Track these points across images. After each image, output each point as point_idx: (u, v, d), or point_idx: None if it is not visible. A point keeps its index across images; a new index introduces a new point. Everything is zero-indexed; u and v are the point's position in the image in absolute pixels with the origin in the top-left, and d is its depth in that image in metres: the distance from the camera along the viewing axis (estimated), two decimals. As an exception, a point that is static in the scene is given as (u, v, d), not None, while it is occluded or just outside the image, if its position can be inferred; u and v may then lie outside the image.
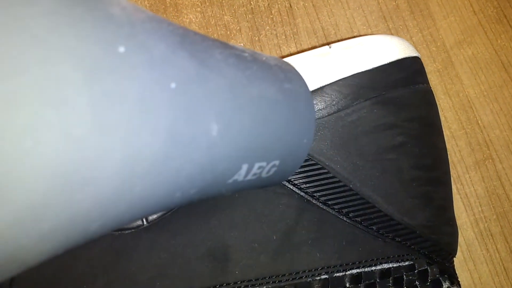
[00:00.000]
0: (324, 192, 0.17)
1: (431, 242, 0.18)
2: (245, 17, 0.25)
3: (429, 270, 0.18)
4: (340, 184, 0.17)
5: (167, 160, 0.09)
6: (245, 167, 0.12)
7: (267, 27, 0.25)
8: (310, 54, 0.19)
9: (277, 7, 0.26)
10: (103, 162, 0.07)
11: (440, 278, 0.18)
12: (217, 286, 0.16)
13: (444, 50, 0.25)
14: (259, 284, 0.16)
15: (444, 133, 0.20)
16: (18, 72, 0.06)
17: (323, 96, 0.18)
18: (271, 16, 0.25)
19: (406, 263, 0.18)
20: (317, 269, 0.17)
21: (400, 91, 0.18)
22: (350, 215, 0.17)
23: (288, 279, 0.17)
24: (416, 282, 0.17)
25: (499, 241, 0.23)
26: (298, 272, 0.17)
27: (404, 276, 0.17)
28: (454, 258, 0.19)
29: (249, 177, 0.12)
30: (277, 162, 0.13)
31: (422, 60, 0.20)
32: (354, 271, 0.17)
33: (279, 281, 0.16)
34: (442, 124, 0.20)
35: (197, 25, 0.25)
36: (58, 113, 0.06)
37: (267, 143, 0.12)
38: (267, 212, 0.17)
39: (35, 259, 0.07)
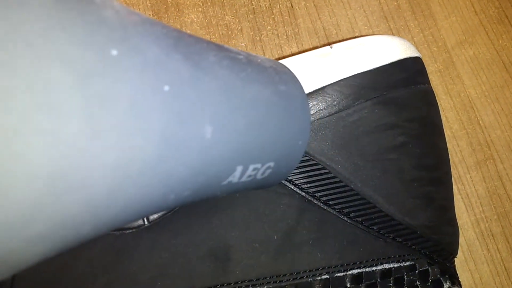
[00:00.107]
0: (325, 192, 0.17)
1: (432, 242, 0.18)
2: (246, 17, 0.25)
3: (430, 270, 0.18)
4: (341, 184, 0.17)
5: (160, 162, 0.09)
6: (239, 169, 0.12)
7: (269, 27, 0.25)
8: (312, 54, 0.19)
9: (278, 7, 0.26)
10: (94, 165, 0.07)
11: (441, 278, 0.18)
12: (218, 286, 0.16)
13: (446, 50, 0.25)
14: (260, 284, 0.16)
15: (445, 133, 0.20)
16: (9, 77, 0.06)
17: (324, 96, 0.18)
18: (273, 16, 0.25)
19: (407, 263, 0.18)
20: (318, 269, 0.17)
21: (401, 91, 0.18)
22: (351, 215, 0.17)
23: (289, 279, 0.17)
24: (417, 282, 0.17)
25: (500, 241, 0.23)
26: (299, 272, 0.17)
27: (405, 276, 0.17)
28: (455, 258, 0.19)
29: (244, 179, 0.12)
30: (272, 164, 0.13)
31: (424, 60, 0.20)
32: (355, 271, 0.17)
33: (280, 281, 0.16)
34: (443, 124, 0.20)
35: (198, 25, 0.25)
36: (49, 117, 0.06)
37: (261, 145, 0.12)
38: (268, 212, 0.17)
39: (26, 263, 0.07)
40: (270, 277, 0.16)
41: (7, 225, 0.06)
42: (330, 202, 0.17)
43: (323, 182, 0.17)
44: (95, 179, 0.07)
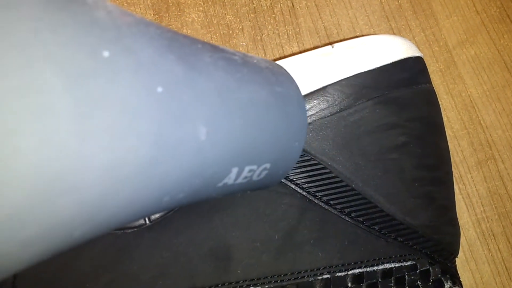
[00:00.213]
0: (326, 192, 0.17)
1: (433, 242, 0.18)
2: (247, 17, 0.25)
3: (431, 270, 0.18)
4: (342, 184, 0.17)
5: (153, 164, 0.08)
6: (235, 170, 0.12)
7: (270, 27, 0.25)
8: (313, 54, 0.19)
9: (279, 6, 0.26)
10: (86, 167, 0.07)
11: (442, 278, 0.18)
12: (219, 285, 0.16)
13: (447, 50, 0.25)
14: (261, 283, 0.16)
15: (446, 133, 0.20)
16: None
17: (326, 96, 0.18)
18: (274, 15, 0.25)
19: (408, 263, 0.18)
20: (319, 269, 0.17)
21: (402, 91, 0.18)
22: (352, 214, 0.17)
23: (290, 279, 0.17)
24: (418, 282, 0.17)
25: (501, 241, 0.23)
26: (300, 272, 0.17)
27: (406, 276, 0.17)
28: (456, 258, 0.19)
29: (240, 180, 0.12)
30: (268, 165, 0.13)
31: (425, 60, 0.20)
32: (356, 270, 0.17)
33: (281, 281, 0.16)
34: (444, 124, 0.20)
35: (199, 24, 0.25)
36: (39, 119, 0.06)
37: (257, 147, 0.12)
38: (269, 212, 0.17)
39: (17, 266, 0.07)
40: (271, 277, 0.16)
41: None
42: (331, 202, 0.17)
43: (324, 181, 0.17)
44: (88, 181, 0.07)
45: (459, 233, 0.19)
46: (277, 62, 0.19)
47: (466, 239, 0.23)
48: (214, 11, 0.26)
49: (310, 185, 0.17)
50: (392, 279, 0.17)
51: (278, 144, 0.13)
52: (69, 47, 0.07)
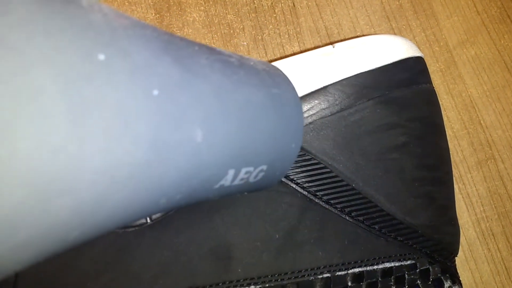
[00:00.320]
0: (326, 191, 0.17)
1: (433, 242, 0.18)
2: (248, 16, 0.25)
3: (430, 269, 0.18)
4: (343, 183, 0.17)
5: (149, 167, 0.08)
6: (231, 172, 0.12)
7: (270, 26, 0.25)
8: (313, 54, 0.19)
9: (280, 6, 0.26)
10: (81, 171, 0.07)
11: (442, 277, 0.18)
12: (220, 284, 0.16)
13: (447, 50, 0.25)
14: (262, 282, 0.16)
15: (446, 132, 0.20)
16: None
17: (326, 96, 0.18)
18: (275, 15, 0.25)
19: (408, 262, 0.18)
20: (320, 268, 0.17)
21: (403, 91, 0.19)
22: (353, 214, 0.17)
23: (291, 278, 0.17)
24: (418, 281, 0.18)
25: (500, 241, 0.23)
26: (301, 271, 0.17)
27: (406, 275, 0.17)
28: (456, 258, 0.19)
29: (236, 182, 0.12)
30: (264, 167, 0.13)
31: (425, 60, 0.20)
32: (356, 270, 0.17)
33: (281, 280, 0.17)
34: (444, 124, 0.20)
35: (200, 23, 0.25)
36: (35, 122, 0.06)
37: (254, 148, 0.12)
38: (270, 211, 0.17)
39: (13, 268, 0.07)
40: (271, 276, 0.17)
41: None
42: (332, 201, 0.17)
43: (325, 181, 0.17)
44: (84, 184, 0.07)
45: (459, 233, 0.19)
46: (278, 61, 0.19)
47: (466, 239, 0.23)
48: (215, 11, 0.26)
49: (310, 184, 0.17)
50: (392, 278, 0.17)
51: (274, 146, 0.13)
52: (64, 50, 0.07)
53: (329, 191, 0.17)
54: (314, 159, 0.17)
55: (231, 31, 0.25)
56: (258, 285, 0.16)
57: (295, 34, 0.25)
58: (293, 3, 0.26)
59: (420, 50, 0.20)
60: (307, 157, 0.17)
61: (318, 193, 0.17)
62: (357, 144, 0.18)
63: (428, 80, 0.20)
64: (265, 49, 0.25)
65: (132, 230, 0.16)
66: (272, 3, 0.26)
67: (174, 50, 0.10)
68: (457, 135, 0.24)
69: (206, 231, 0.17)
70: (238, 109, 0.11)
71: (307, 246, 0.17)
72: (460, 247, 0.20)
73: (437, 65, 0.25)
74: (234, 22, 0.25)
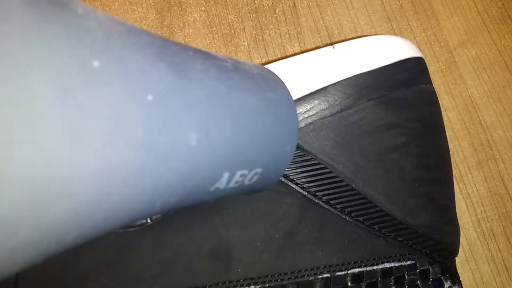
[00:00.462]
0: (326, 192, 0.17)
1: (433, 242, 0.18)
2: (249, 16, 0.25)
3: (430, 269, 0.18)
4: (343, 183, 0.17)
5: (144, 170, 0.09)
6: (226, 175, 0.12)
7: (271, 26, 0.25)
8: (314, 54, 0.19)
9: (281, 6, 0.26)
10: (77, 175, 0.07)
11: (442, 278, 0.18)
12: (220, 284, 0.16)
13: (448, 50, 0.25)
14: (262, 282, 0.16)
15: (447, 133, 0.20)
16: None
17: (326, 96, 0.18)
18: (275, 15, 0.26)
19: (408, 262, 0.18)
20: (319, 268, 0.17)
21: (403, 91, 0.19)
22: (353, 214, 0.17)
23: (291, 278, 0.17)
24: (418, 282, 0.18)
25: (501, 241, 0.23)
26: (301, 271, 0.17)
27: (406, 275, 0.17)
28: (456, 258, 0.19)
29: (231, 185, 0.12)
30: (259, 170, 0.13)
31: (426, 60, 0.20)
32: (356, 270, 0.17)
33: (281, 280, 0.17)
34: (445, 124, 0.20)
35: (201, 24, 0.25)
36: (31, 128, 0.06)
37: (248, 152, 0.12)
38: (270, 211, 0.17)
39: (12, 269, 0.07)
40: (271, 276, 0.17)
41: None
42: (332, 202, 0.17)
43: (325, 181, 0.17)
44: (79, 188, 0.07)
45: (459, 233, 0.19)
46: (278, 62, 0.19)
47: (466, 239, 0.23)
48: (216, 11, 0.26)
49: (310, 184, 0.17)
50: (391, 278, 0.17)
51: (269, 149, 0.13)
52: (60, 58, 0.07)
53: (329, 191, 0.17)
54: (314, 159, 0.17)
55: (232, 31, 0.25)
56: (258, 285, 0.16)
57: (295, 34, 0.25)
58: (294, 3, 0.26)
59: (420, 50, 0.20)
60: (307, 157, 0.17)
61: (318, 193, 0.17)
62: (357, 144, 0.18)
63: (428, 81, 0.20)
64: (265, 49, 0.25)
65: (132, 230, 0.17)
66: (273, 3, 0.26)
67: (169, 55, 0.10)
68: (457, 135, 0.24)
69: (206, 231, 0.17)
70: (233, 113, 0.11)
71: (307, 246, 0.17)
72: (460, 247, 0.20)
73: (438, 65, 0.25)
74: (234, 22, 0.25)
